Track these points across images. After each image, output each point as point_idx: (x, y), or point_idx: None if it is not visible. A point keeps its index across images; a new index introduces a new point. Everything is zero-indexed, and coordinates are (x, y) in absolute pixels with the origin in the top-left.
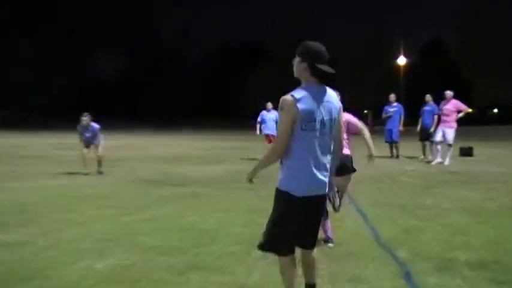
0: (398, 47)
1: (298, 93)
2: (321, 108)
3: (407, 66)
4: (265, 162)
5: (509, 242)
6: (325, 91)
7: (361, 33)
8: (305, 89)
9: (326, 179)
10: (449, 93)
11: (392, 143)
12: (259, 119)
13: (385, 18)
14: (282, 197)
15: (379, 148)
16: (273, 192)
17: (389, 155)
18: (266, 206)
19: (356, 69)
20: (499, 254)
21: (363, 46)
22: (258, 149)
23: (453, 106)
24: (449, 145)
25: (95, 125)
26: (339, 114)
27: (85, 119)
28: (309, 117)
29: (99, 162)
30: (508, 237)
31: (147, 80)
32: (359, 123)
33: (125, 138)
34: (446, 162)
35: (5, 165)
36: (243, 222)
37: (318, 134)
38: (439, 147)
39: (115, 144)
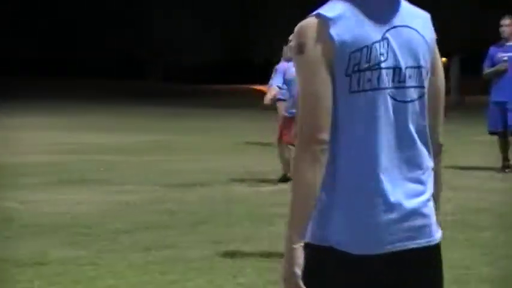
0: None
1: (332, 9)
2: (392, 40)
3: None
4: (300, 214)
5: None
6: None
7: None
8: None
9: (424, 213)
10: None
11: (507, 136)
12: (277, 81)
13: None
14: (320, 260)
15: (480, 147)
16: (213, 255)
17: (502, 163)
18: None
19: None
20: None
21: None
22: (191, 150)
23: None
24: None
25: None
26: (434, 58)
27: None
28: (363, 57)
29: None
30: None
31: None
32: None
33: None
34: None
35: None
36: None
37: (391, 100)
38: None
39: None
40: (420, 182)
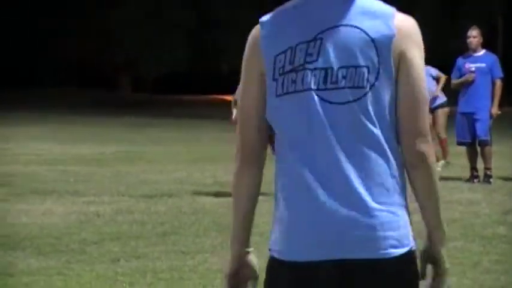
0: None
1: (268, 14)
2: (326, 40)
3: None
4: (234, 215)
5: None
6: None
7: None
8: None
9: (367, 224)
10: None
11: (475, 146)
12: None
13: None
14: (268, 270)
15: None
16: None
17: (469, 173)
18: None
19: None
20: None
21: None
22: (160, 160)
23: None
24: None
25: None
26: (392, 59)
27: None
28: (287, 59)
29: None
30: None
31: None
32: None
33: None
34: None
35: None
36: None
37: (321, 102)
38: None
39: None
40: (367, 190)
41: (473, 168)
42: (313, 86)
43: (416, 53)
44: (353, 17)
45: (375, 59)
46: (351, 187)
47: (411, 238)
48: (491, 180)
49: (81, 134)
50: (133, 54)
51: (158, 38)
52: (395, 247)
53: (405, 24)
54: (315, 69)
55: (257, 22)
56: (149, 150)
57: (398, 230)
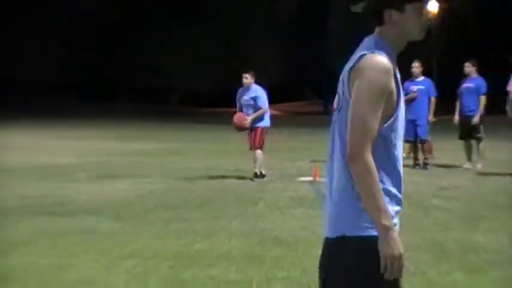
0: None
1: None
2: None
3: (442, 13)
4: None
5: None
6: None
7: None
8: None
9: (332, 211)
10: None
11: (417, 143)
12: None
13: None
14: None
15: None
16: (212, 224)
17: (413, 162)
18: (204, 249)
19: (353, 18)
20: None
21: None
22: (197, 153)
23: None
24: None
25: None
26: (344, 85)
27: None
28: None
29: None
30: None
31: None
32: None
33: None
34: None
35: None
36: (168, 275)
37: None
38: None
39: None
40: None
41: (416, 158)
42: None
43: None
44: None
45: (342, 87)
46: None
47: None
48: (428, 167)
49: (143, 135)
50: (180, 80)
51: (196, 68)
52: (336, 228)
53: (362, 61)
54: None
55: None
56: (190, 146)
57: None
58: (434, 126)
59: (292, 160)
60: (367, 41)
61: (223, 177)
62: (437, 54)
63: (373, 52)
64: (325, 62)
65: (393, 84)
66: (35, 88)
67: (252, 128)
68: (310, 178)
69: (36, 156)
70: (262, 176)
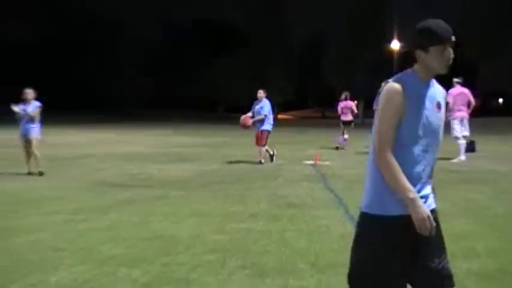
0: (391, 30)
1: None
2: None
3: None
4: (399, 176)
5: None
6: None
7: (351, 11)
8: None
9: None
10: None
11: None
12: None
13: None
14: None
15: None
16: (246, 193)
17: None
18: (240, 210)
19: (344, 53)
20: (506, 263)
21: (353, 27)
22: (236, 145)
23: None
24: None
25: (37, 103)
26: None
27: (30, 91)
28: None
29: (36, 160)
30: None
31: (89, 61)
32: None
33: (75, 133)
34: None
35: None
36: (217, 227)
37: None
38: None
39: (65, 140)
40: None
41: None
42: None
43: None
44: None
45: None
46: None
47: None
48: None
49: (198, 132)
50: (225, 93)
51: (236, 84)
52: None
53: (384, 87)
54: None
55: None
56: (231, 141)
57: None
58: None
59: (299, 149)
60: (402, 72)
61: (254, 162)
62: None
63: (390, 81)
64: (322, 83)
65: (403, 103)
66: (128, 100)
67: (259, 130)
68: (312, 162)
69: (124, 147)
70: (261, 163)
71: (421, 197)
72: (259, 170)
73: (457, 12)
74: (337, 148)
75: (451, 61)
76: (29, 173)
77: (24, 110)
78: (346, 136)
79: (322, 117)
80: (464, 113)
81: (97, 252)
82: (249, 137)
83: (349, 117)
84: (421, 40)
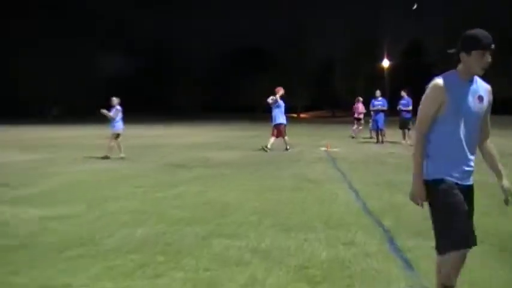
0: (382, 51)
1: None
2: None
3: (391, 67)
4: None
5: (477, 211)
6: None
7: (354, 37)
8: None
9: None
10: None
11: (378, 131)
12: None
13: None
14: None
15: (367, 134)
16: (282, 173)
17: (375, 140)
18: (272, 184)
19: (348, 69)
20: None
21: (355, 50)
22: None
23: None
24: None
25: (118, 107)
26: None
27: (114, 99)
28: None
29: (120, 148)
30: (477, 206)
31: (165, 80)
32: None
33: (154, 130)
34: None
35: (52, 153)
36: (255, 197)
37: None
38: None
39: (145, 134)
40: None
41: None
42: None
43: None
44: None
45: None
46: None
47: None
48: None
49: (241, 128)
50: (260, 99)
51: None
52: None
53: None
54: None
55: None
56: (267, 133)
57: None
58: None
59: (315, 140)
60: (445, 72)
61: (278, 147)
62: None
63: (435, 78)
64: (331, 91)
65: (444, 95)
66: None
67: (275, 125)
68: (325, 148)
69: (187, 139)
70: (265, 149)
71: (462, 174)
72: (285, 155)
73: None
74: (352, 137)
75: (487, 65)
76: (120, 158)
77: (110, 113)
78: (360, 127)
79: (333, 116)
80: None
81: (169, 215)
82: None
83: (361, 116)
84: (466, 44)
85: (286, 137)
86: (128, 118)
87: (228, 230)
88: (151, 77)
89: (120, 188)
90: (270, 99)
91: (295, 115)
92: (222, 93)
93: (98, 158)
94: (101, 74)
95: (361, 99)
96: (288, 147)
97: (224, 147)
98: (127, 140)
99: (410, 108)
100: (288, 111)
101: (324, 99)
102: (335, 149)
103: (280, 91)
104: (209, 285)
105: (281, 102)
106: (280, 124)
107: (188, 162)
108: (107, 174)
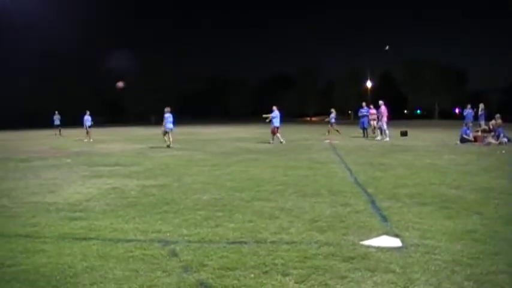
0: (365, 75)
1: None
2: None
3: (373, 87)
4: None
5: (429, 183)
6: None
7: (347, 66)
8: None
9: None
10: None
11: (364, 129)
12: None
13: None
14: None
15: (357, 132)
16: (299, 157)
17: (362, 135)
18: (294, 164)
19: (342, 88)
20: (423, 189)
21: (349, 74)
22: (289, 132)
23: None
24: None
25: (168, 114)
26: None
27: (167, 109)
28: None
29: (171, 141)
30: (429, 179)
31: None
32: None
33: (212, 129)
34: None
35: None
36: (283, 173)
37: None
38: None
39: (205, 132)
40: None
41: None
42: None
43: None
44: None
45: None
46: None
47: None
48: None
49: (264, 126)
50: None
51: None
52: None
53: None
54: None
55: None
56: (290, 130)
57: None
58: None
59: (321, 135)
60: None
61: (297, 140)
62: None
63: None
64: (333, 102)
65: None
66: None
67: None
68: (328, 141)
69: (235, 134)
70: (281, 142)
71: None
72: (301, 145)
73: None
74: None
75: None
76: (167, 146)
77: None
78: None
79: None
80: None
81: (224, 185)
82: (297, 129)
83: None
84: None
85: (278, 134)
86: (193, 121)
87: (263, 195)
88: (213, 90)
89: (192, 167)
90: (269, 115)
91: (308, 119)
92: (262, 103)
93: (174, 148)
94: (180, 91)
95: (364, 104)
96: (272, 142)
97: (260, 141)
98: (194, 135)
99: (368, 114)
100: (301, 116)
101: (328, 107)
102: (335, 142)
103: (275, 110)
104: (251, 232)
105: (277, 114)
106: (275, 127)
107: (236, 150)
108: (183, 158)
